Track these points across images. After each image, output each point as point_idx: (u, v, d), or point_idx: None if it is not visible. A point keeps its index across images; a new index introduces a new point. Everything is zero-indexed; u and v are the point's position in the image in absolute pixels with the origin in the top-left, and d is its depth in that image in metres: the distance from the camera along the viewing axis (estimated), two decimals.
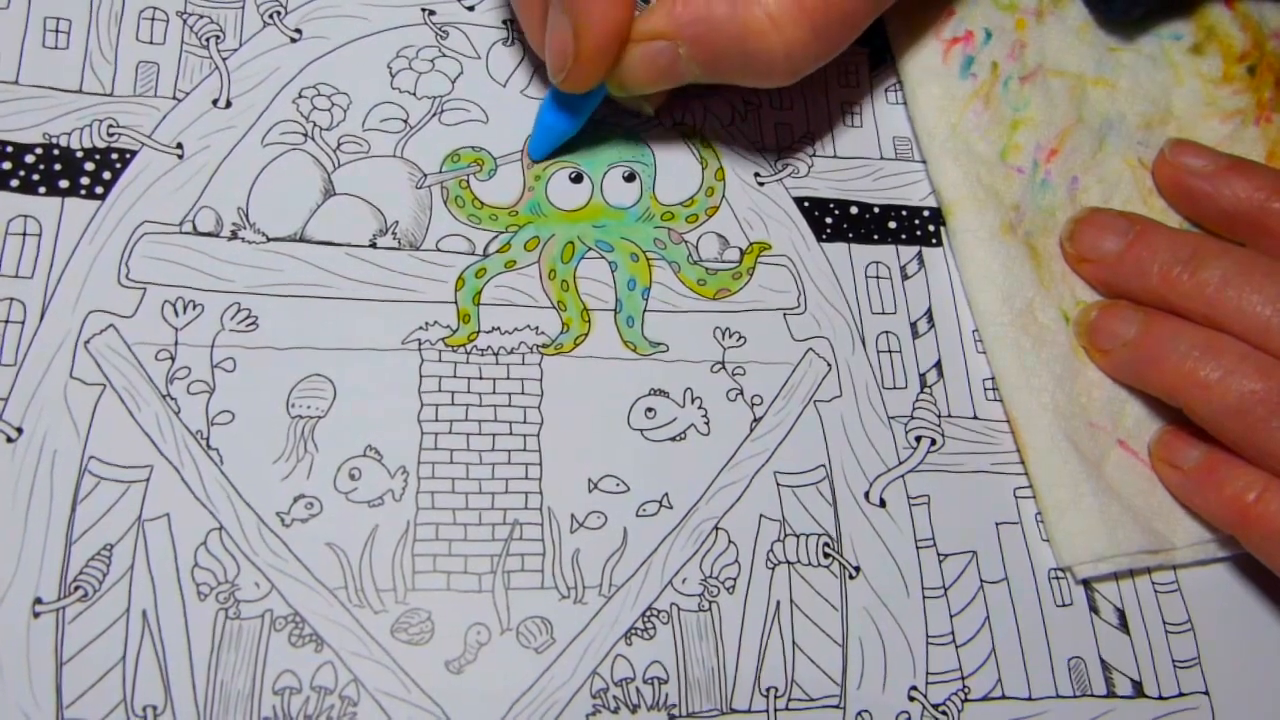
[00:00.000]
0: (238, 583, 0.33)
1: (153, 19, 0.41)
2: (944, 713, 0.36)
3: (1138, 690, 0.38)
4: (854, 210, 0.43)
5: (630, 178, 0.42)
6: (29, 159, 0.37)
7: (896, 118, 0.46)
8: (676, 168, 0.43)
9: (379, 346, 0.37)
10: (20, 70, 0.38)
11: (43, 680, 0.31)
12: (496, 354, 0.38)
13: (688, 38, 0.37)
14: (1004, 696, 0.37)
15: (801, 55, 0.37)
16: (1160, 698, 0.38)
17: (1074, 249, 0.43)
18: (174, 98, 0.40)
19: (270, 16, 0.42)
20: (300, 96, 0.41)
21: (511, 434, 0.37)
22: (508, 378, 0.37)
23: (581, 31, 0.36)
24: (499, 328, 0.38)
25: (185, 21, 0.41)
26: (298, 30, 0.42)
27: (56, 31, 0.39)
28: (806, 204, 0.43)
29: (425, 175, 0.40)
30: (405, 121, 0.41)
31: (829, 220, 0.43)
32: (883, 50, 0.47)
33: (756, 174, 0.43)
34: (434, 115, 0.42)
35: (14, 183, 0.37)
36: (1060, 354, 0.41)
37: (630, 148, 0.43)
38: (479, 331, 0.38)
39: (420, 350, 0.37)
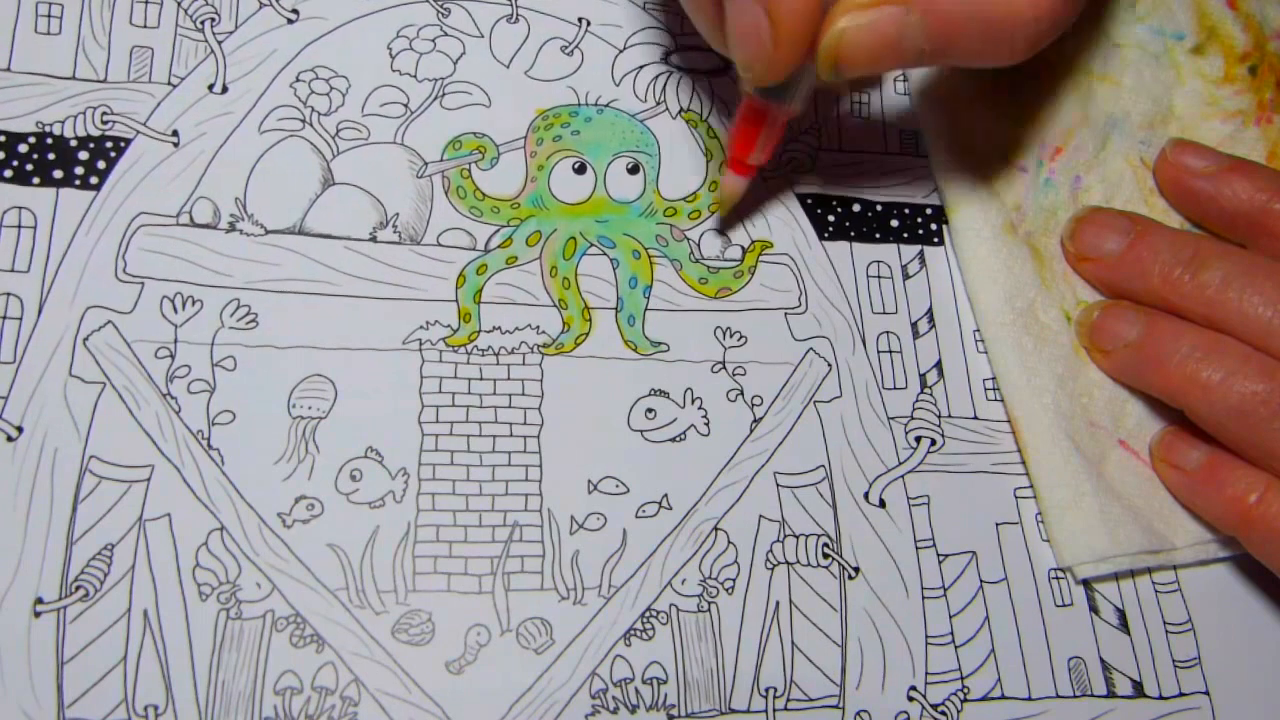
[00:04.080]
0: (239, 583, 0.33)
1: (146, 1, 0.40)
2: (943, 713, 0.36)
3: (1138, 690, 0.38)
4: (856, 208, 0.43)
5: (634, 169, 0.41)
6: (22, 148, 0.37)
7: (904, 110, 0.45)
8: (681, 159, 0.42)
9: (380, 346, 0.37)
10: (12, 57, 0.38)
11: (44, 680, 0.31)
12: (497, 354, 0.38)
13: (922, 2, 0.32)
14: (1004, 696, 0.37)
15: (1050, 18, 0.33)
16: (1160, 698, 0.38)
17: (1075, 248, 0.42)
18: (169, 83, 0.39)
19: None
20: (298, 80, 0.40)
21: (512, 436, 0.37)
22: (508, 379, 0.37)
23: (778, 15, 0.32)
24: (500, 327, 0.38)
25: (180, 4, 0.40)
26: (294, 10, 0.41)
27: (49, 16, 0.38)
28: (809, 200, 0.43)
29: (426, 164, 0.40)
30: (406, 106, 0.41)
31: (831, 218, 0.43)
32: None
33: (760, 168, 0.42)
34: (435, 99, 0.41)
35: (7, 173, 0.36)
36: (1062, 354, 0.41)
37: (636, 136, 0.42)
38: (480, 331, 0.38)
39: (421, 350, 0.37)
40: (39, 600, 0.32)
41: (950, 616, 0.38)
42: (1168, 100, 0.46)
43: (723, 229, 0.41)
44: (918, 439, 0.40)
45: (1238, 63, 0.47)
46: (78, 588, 0.32)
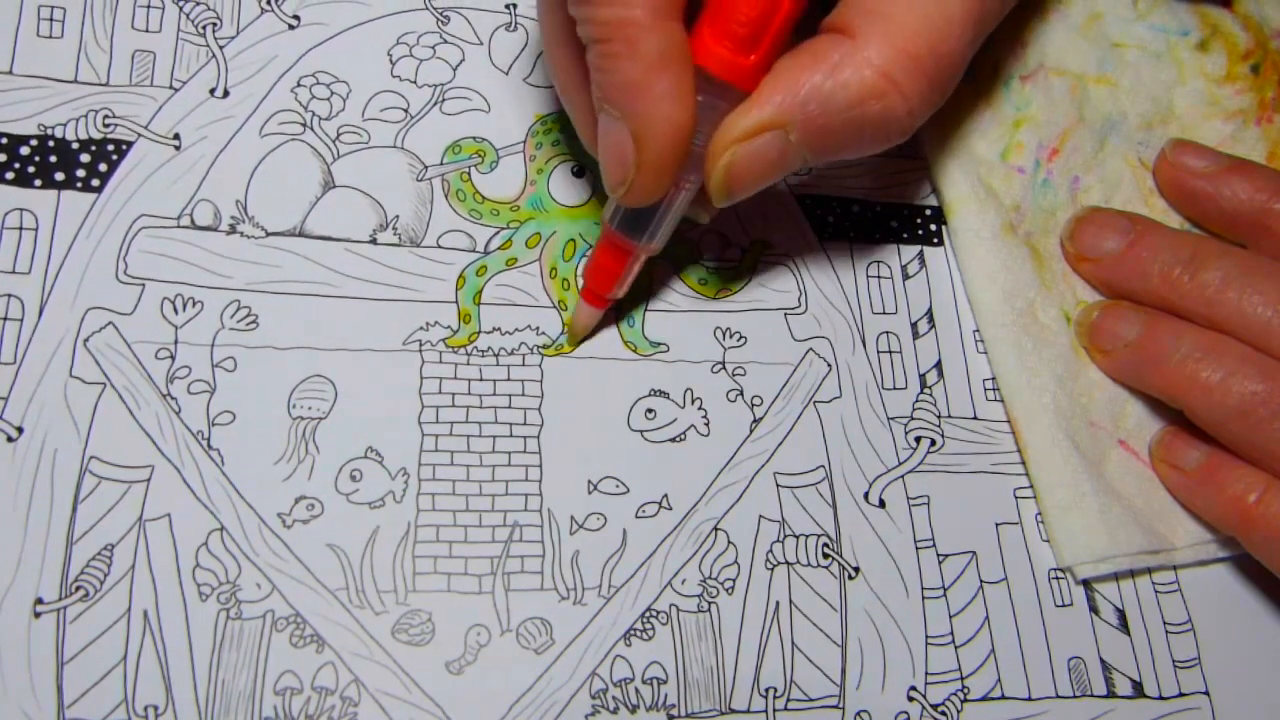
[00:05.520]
0: (239, 583, 0.33)
1: (148, 6, 0.40)
2: (943, 713, 0.36)
3: (1138, 690, 0.38)
4: (855, 209, 0.43)
5: None
6: (24, 150, 0.37)
7: None
8: None
9: (380, 347, 0.37)
10: (14, 60, 0.38)
11: (44, 680, 0.31)
12: (497, 355, 0.38)
13: (800, 120, 0.33)
14: (1004, 697, 0.37)
15: (921, 109, 0.34)
16: (1160, 698, 0.38)
17: (1074, 248, 0.43)
18: (170, 87, 0.39)
19: (268, 2, 0.41)
20: (299, 85, 0.40)
21: (512, 436, 0.37)
22: (508, 379, 0.37)
23: (643, 139, 0.32)
24: (499, 328, 0.38)
25: (181, 8, 0.40)
26: (295, 17, 0.41)
27: (51, 20, 0.39)
28: (808, 202, 0.43)
29: (426, 167, 0.40)
30: (406, 111, 0.41)
31: (830, 219, 0.43)
32: None
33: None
34: (435, 104, 0.41)
35: (9, 175, 0.36)
36: (1061, 354, 0.41)
37: None
38: (479, 332, 0.38)
39: (421, 351, 0.37)
40: (39, 600, 0.32)
41: (950, 616, 0.38)
42: (1168, 100, 0.46)
43: (570, 345, 0.39)
44: (917, 439, 0.40)
45: (1240, 60, 0.47)
46: (78, 588, 0.32)
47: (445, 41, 0.42)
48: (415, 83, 0.41)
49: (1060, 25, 0.46)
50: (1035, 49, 0.46)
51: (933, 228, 0.44)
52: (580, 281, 0.39)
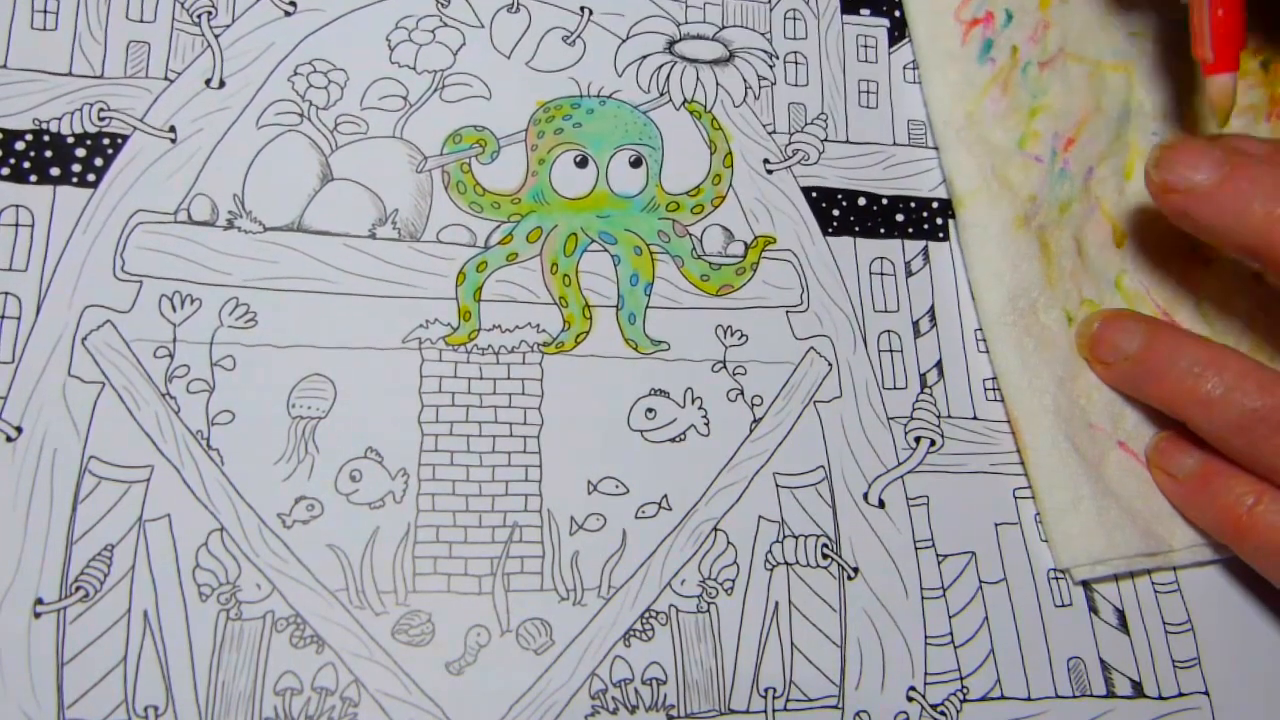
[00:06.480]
0: (239, 584, 0.34)
1: None
2: (942, 713, 0.36)
3: (1137, 690, 0.38)
4: (862, 202, 0.43)
5: (637, 163, 0.41)
6: (19, 146, 0.36)
7: (912, 99, 0.45)
8: (685, 151, 0.42)
9: (379, 345, 0.37)
10: (8, 53, 0.37)
11: (44, 681, 0.31)
12: (497, 353, 0.37)
13: None
14: (1003, 697, 0.37)
15: None
16: (1160, 698, 0.38)
17: (1160, 176, 0.37)
18: (166, 78, 0.39)
19: None
20: (296, 74, 0.40)
21: (512, 436, 0.37)
22: (508, 378, 0.37)
23: None
24: (500, 325, 0.38)
25: None
26: (292, 2, 0.41)
27: (45, 12, 0.38)
28: (814, 194, 0.42)
29: (426, 158, 0.39)
30: (405, 99, 0.40)
31: (836, 212, 0.42)
32: (903, 23, 0.45)
33: (765, 160, 0.42)
34: (435, 91, 0.41)
35: (4, 171, 0.36)
36: (1062, 355, 0.41)
37: (639, 128, 0.41)
38: (480, 329, 0.38)
39: (421, 349, 0.37)
40: (39, 600, 0.32)
41: (949, 617, 0.38)
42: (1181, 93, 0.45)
43: (1222, 123, 0.40)
44: (917, 439, 0.40)
45: (1251, 56, 0.46)
46: (78, 588, 0.32)
47: (445, 25, 0.42)
48: (414, 69, 0.41)
49: (1082, 10, 0.45)
50: (1056, 33, 0.44)
51: (939, 221, 0.43)
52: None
